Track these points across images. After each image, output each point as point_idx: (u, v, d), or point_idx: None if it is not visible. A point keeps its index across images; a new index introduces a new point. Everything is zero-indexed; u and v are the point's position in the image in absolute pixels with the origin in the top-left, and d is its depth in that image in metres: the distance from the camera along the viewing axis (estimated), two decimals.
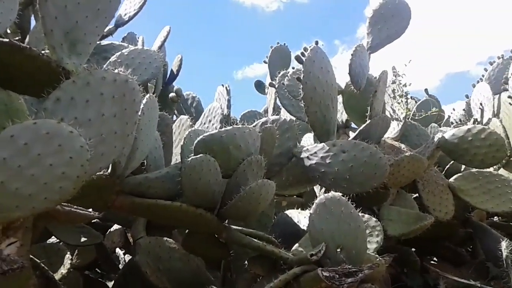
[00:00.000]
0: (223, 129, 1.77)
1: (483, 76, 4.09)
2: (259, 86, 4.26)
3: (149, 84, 3.43)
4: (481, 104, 3.42)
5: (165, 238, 2.18)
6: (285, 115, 2.84)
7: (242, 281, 2.16)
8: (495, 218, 2.96)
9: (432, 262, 2.79)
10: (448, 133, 2.36)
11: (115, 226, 2.95)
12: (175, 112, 3.32)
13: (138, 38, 3.25)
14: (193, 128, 1.97)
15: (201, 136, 1.73)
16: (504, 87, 3.43)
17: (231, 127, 1.79)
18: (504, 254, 2.33)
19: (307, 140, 2.92)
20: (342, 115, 2.84)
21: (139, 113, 1.67)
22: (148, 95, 1.81)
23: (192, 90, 3.65)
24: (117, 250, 3.14)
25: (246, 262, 2.06)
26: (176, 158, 2.30)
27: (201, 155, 1.67)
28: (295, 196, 2.84)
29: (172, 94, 3.31)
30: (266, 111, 3.83)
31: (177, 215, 1.82)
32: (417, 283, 2.52)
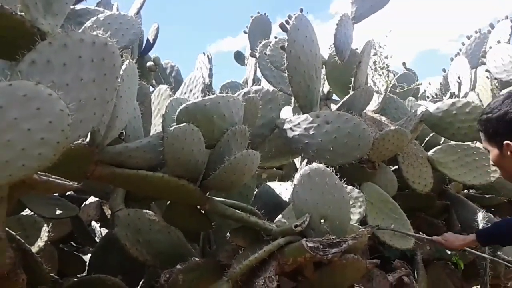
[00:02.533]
0: (206, 97, 1.71)
1: (460, 50, 4.13)
2: (239, 57, 4.18)
3: (124, 54, 3.32)
4: (458, 77, 3.45)
5: (144, 210, 2.13)
6: (266, 86, 2.79)
7: (223, 253, 2.14)
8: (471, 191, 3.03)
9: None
10: (432, 106, 2.37)
11: (91, 199, 2.87)
12: (153, 81, 3.22)
13: (113, 4, 3.11)
14: (174, 97, 1.91)
15: (184, 105, 1.68)
16: (482, 60, 3.47)
17: (214, 95, 1.74)
18: (480, 225, 2.39)
19: (286, 113, 2.89)
20: (323, 86, 2.81)
21: (119, 80, 1.61)
22: (128, 60, 1.73)
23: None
24: (93, 223, 3.08)
25: (228, 233, 2.04)
26: (155, 129, 2.23)
27: (184, 124, 1.62)
28: (275, 169, 2.83)
29: (150, 63, 3.21)
30: (245, 83, 3.77)
31: (159, 186, 1.77)
32: (394, 254, 2.56)
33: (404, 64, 4.38)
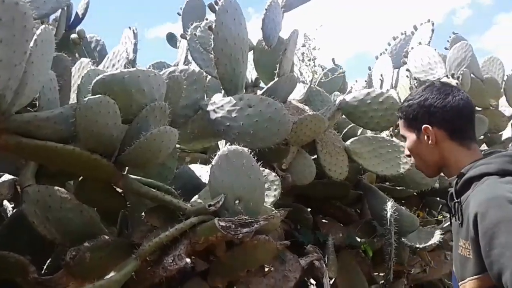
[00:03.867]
0: (126, 70, 1.66)
1: (386, 50, 4.33)
2: (171, 39, 4.09)
3: (50, 26, 3.14)
4: (381, 75, 3.62)
5: (56, 187, 2.03)
6: (196, 68, 2.76)
7: (138, 233, 2.11)
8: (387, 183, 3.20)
9: (323, 220, 2.96)
10: (349, 95, 2.48)
11: (5, 177, 2.70)
12: (77, 55, 3.07)
13: None
14: (92, 68, 1.84)
15: (101, 76, 1.62)
16: (404, 60, 3.67)
17: (134, 68, 1.69)
18: (389, 213, 2.54)
19: (218, 98, 2.88)
20: (251, 73, 2.84)
21: (32, 44, 1.52)
22: (43, 25, 1.64)
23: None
24: (5, 202, 2.90)
25: (143, 213, 2.01)
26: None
27: (99, 95, 1.56)
28: (200, 153, 2.82)
29: (73, 35, 3.06)
30: (177, 65, 3.70)
31: (70, 160, 1.70)
32: (308, 239, 2.65)
33: (333, 59, 4.52)
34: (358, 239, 2.82)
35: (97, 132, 1.61)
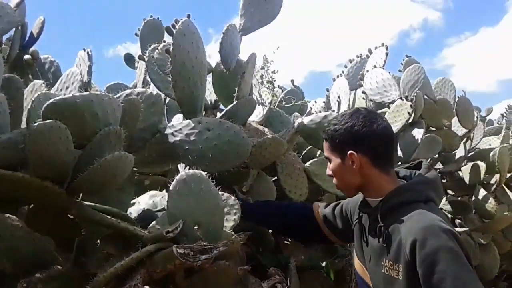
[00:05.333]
0: (78, 93, 1.61)
1: (343, 72, 4.43)
2: (129, 60, 4.03)
3: (3, 46, 3.04)
4: (338, 97, 3.69)
5: (6, 215, 1.93)
6: (154, 91, 2.72)
7: (94, 262, 2.03)
8: None
9: (285, 242, 2.94)
10: (307, 118, 2.50)
11: None
12: (30, 77, 2.97)
13: None
14: (43, 91, 1.77)
15: (52, 100, 1.56)
16: (360, 82, 3.77)
17: (88, 92, 1.65)
18: None
19: (177, 121, 2.85)
20: (211, 95, 2.83)
21: None
22: None
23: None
24: None
25: (98, 241, 1.94)
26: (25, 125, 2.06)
27: (50, 120, 1.50)
28: (160, 176, 2.76)
29: (27, 56, 2.96)
30: (135, 86, 3.64)
31: (20, 187, 1.62)
32: (270, 262, 2.63)
33: (292, 81, 4.58)
34: (320, 260, 2.83)
35: (48, 158, 1.55)
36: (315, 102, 5.08)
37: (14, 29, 2.90)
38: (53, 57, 2.95)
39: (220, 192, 2.04)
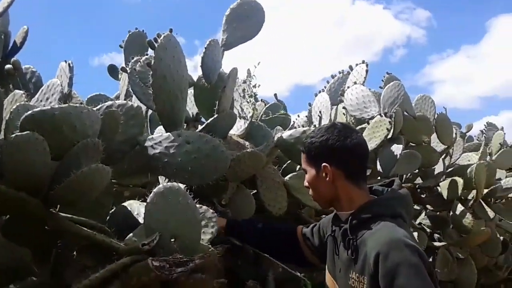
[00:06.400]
0: (57, 106, 1.62)
1: (325, 87, 4.50)
2: (113, 71, 4.04)
3: None
4: (320, 112, 3.75)
5: None
6: (136, 102, 2.74)
7: (70, 273, 2.02)
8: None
9: (264, 255, 2.95)
10: (286, 133, 2.54)
11: None
12: (11, 87, 2.96)
13: None
14: (22, 102, 1.78)
15: (30, 111, 1.57)
16: (341, 98, 3.83)
17: (66, 104, 1.66)
18: None
19: (158, 133, 2.86)
20: (193, 108, 2.85)
21: None
22: None
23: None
24: None
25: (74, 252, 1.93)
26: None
27: (27, 132, 1.51)
28: (140, 188, 2.76)
29: (8, 66, 2.95)
30: (118, 98, 3.65)
31: None
32: (249, 275, 2.63)
33: (275, 95, 4.64)
34: (298, 274, 2.84)
35: (24, 169, 1.55)
36: (298, 116, 5.15)
37: None
38: (34, 67, 2.95)
39: (198, 205, 2.07)
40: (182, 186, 2.32)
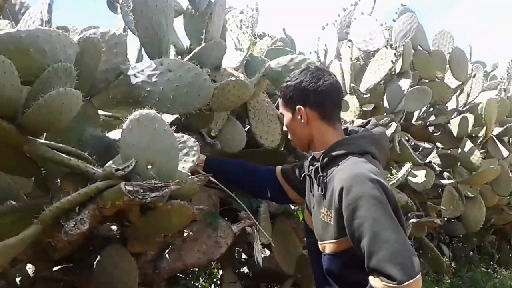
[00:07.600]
0: (24, 28, 1.58)
1: (336, 20, 4.31)
2: (111, 4, 3.93)
3: None
4: (325, 46, 3.61)
5: None
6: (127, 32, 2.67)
7: (55, 199, 2.06)
8: None
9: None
10: (274, 61, 2.45)
11: None
12: (0, 17, 2.93)
13: None
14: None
15: None
16: (347, 31, 3.66)
17: (35, 27, 1.61)
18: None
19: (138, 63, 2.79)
20: (186, 40, 2.77)
21: None
22: None
23: None
24: None
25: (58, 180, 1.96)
26: None
27: None
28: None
29: None
30: None
31: None
32: (242, 206, 2.65)
33: (283, 29, 4.46)
34: (292, 206, 2.85)
35: None
36: (310, 53, 4.99)
37: None
38: None
39: (180, 134, 2.05)
40: (171, 117, 2.31)
